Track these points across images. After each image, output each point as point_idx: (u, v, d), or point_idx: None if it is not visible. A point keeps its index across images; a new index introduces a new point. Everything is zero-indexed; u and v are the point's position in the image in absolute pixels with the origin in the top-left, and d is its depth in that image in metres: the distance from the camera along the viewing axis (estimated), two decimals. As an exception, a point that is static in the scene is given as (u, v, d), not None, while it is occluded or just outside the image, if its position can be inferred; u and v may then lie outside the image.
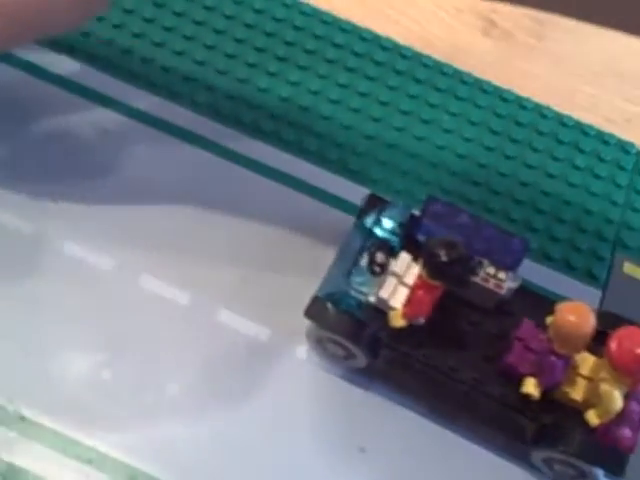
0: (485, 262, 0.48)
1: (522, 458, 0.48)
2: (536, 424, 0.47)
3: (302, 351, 0.49)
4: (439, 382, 0.47)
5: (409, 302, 0.46)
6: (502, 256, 0.48)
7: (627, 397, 0.45)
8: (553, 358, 0.45)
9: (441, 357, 0.48)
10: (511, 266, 0.48)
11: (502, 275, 0.48)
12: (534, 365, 0.46)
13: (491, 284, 0.48)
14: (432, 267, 0.44)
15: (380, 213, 0.49)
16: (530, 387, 0.46)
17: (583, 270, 0.56)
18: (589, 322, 0.43)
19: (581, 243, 0.56)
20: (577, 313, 0.43)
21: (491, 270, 0.48)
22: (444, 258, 0.43)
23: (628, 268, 0.56)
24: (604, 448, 0.45)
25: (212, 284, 0.50)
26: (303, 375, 0.49)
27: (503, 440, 0.48)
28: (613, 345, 0.43)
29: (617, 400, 0.44)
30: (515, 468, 0.48)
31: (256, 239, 0.52)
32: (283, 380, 0.48)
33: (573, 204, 0.58)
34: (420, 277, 0.46)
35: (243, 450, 0.46)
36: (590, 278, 0.55)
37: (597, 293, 0.55)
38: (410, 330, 0.47)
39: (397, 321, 0.47)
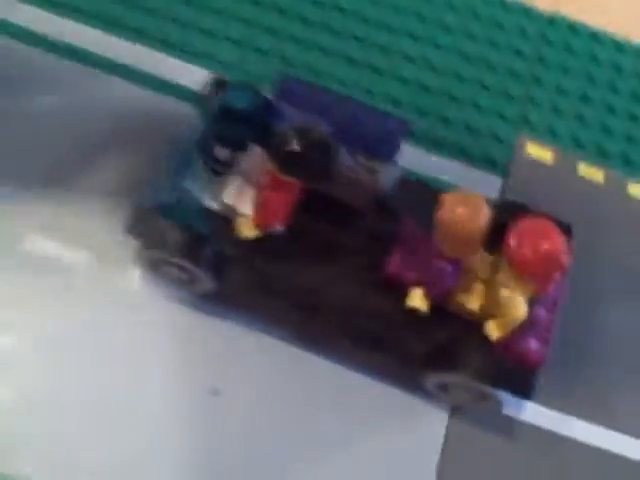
0: (356, 150, 0.39)
1: (413, 384, 0.40)
2: (427, 344, 0.38)
3: (134, 278, 0.39)
4: (307, 303, 0.38)
5: (261, 206, 0.37)
6: (376, 142, 0.39)
7: (532, 303, 0.37)
8: (441, 262, 0.36)
9: (308, 272, 0.38)
10: (388, 153, 0.39)
11: (377, 165, 0.39)
12: (420, 272, 0.38)
13: (363, 177, 0.39)
14: (282, 158, 0.34)
15: (224, 99, 0.39)
16: (416, 299, 0.38)
17: (480, 155, 0.47)
18: (481, 215, 0.34)
19: (478, 124, 0.47)
20: (466, 204, 0.34)
21: (363, 160, 0.39)
22: (296, 147, 0.34)
23: (532, 150, 0.47)
24: (508, 366, 0.37)
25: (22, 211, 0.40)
26: (138, 306, 0.39)
27: (389, 365, 0.40)
28: (512, 242, 0.34)
29: (519, 307, 0.36)
30: (405, 396, 0.40)
31: (75, 144, 0.42)
32: (114, 314, 0.39)
33: (469, 79, 0.49)
34: (271, 174, 0.36)
35: (80, 397, 0.37)
36: (489, 164, 0.47)
37: (497, 181, 0.46)
38: (265, 241, 0.38)
39: (247, 231, 0.37)
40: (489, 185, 0.45)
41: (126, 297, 0.39)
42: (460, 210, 0.34)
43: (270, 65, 0.45)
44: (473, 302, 0.38)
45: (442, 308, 0.38)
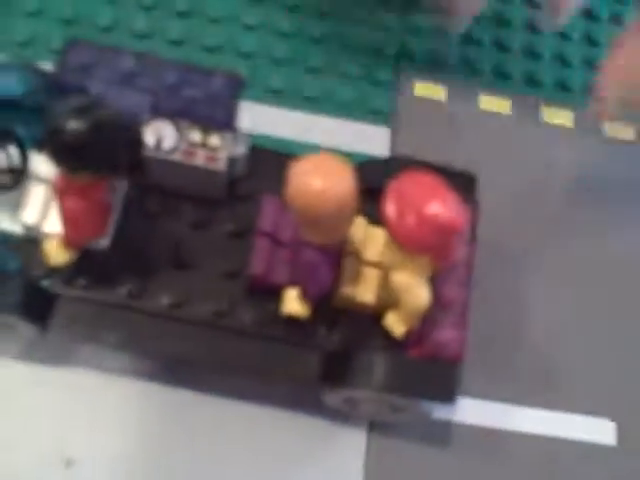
0: (181, 125, 0.30)
1: (318, 405, 0.32)
2: (319, 354, 0.30)
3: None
4: (159, 329, 0.30)
5: (65, 220, 0.28)
6: (205, 108, 0.30)
7: (438, 281, 0.29)
8: (308, 252, 0.28)
9: (151, 293, 0.30)
10: (223, 120, 0.30)
11: (215, 140, 0.30)
12: (290, 270, 0.29)
13: (200, 158, 0.30)
14: (57, 151, 0.25)
15: None
16: (292, 304, 0.29)
17: (358, 105, 0.38)
18: (341, 183, 0.26)
19: (351, 69, 0.39)
20: (318, 173, 0.25)
21: (196, 136, 0.30)
22: (70, 133, 0.25)
23: (420, 89, 0.39)
24: (421, 367, 0.29)
25: None
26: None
27: (283, 388, 0.31)
28: (389, 210, 0.26)
29: (418, 292, 0.27)
30: (313, 419, 0.32)
31: None
32: None
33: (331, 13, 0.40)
34: (63, 177, 0.27)
35: None
36: (372, 114, 0.38)
37: (385, 134, 0.38)
38: (87, 261, 0.29)
39: (56, 255, 0.29)
40: (374, 140, 0.37)
41: None
42: (310, 181, 0.25)
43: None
44: (365, 293, 0.29)
45: (330, 307, 0.30)
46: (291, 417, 0.32)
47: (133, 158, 0.27)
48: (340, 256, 0.28)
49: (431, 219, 0.25)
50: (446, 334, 0.29)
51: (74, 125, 0.24)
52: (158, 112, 0.29)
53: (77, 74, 0.29)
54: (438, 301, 0.29)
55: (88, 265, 0.29)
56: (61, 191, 0.27)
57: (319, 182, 0.25)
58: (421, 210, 0.25)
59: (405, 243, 0.26)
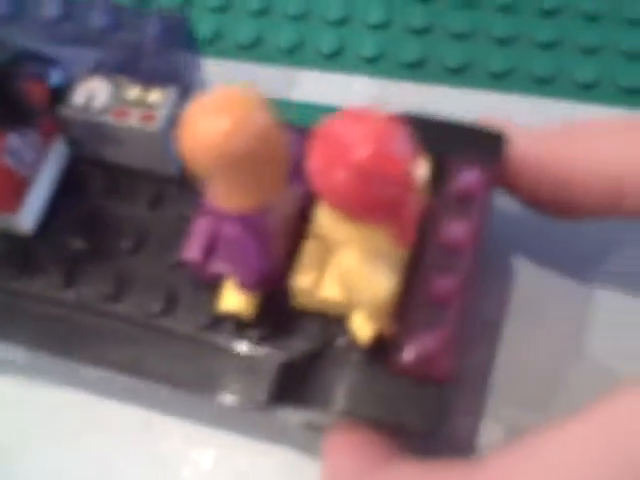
0: (121, 81, 0.25)
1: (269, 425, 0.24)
2: (274, 368, 0.22)
3: None
4: (81, 327, 0.24)
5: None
6: (149, 61, 0.25)
7: (422, 270, 0.21)
8: (225, 223, 0.21)
9: (87, 286, 0.24)
10: (177, 71, 0.24)
11: (154, 96, 0.24)
12: (221, 252, 0.22)
13: (133, 118, 0.24)
14: None
15: None
16: (231, 299, 0.23)
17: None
18: (253, 121, 0.19)
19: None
20: (215, 110, 0.19)
21: (133, 93, 0.25)
22: None
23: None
24: (394, 385, 0.21)
25: None
26: None
27: (231, 402, 0.24)
28: (313, 161, 0.19)
29: (373, 278, 0.20)
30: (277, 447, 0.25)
31: None
32: None
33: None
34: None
35: None
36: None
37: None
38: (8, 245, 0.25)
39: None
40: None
41: None
42: (205, 120, 0.19)
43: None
44: (330, 287, 0.22)
45: (291, 308, 0.23)
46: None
47: (5, 105, 0.21)
48: (271, 230, 0.21)
49: (356, 164, 0.17)
50: (429, 343, 0.21)
51: None
52: (96, 67, 0.24)
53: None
54: (423, 297, 0.21)
55: (12, 250, 0.25)
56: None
57: (216, 122, 0.19)
58: (342, 155, 0.18)
59: (335, 203, 0.18)
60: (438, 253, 0.22)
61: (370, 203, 0.18)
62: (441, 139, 0.23)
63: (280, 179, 0.20)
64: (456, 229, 0.22)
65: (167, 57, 0.24)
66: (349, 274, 0.20)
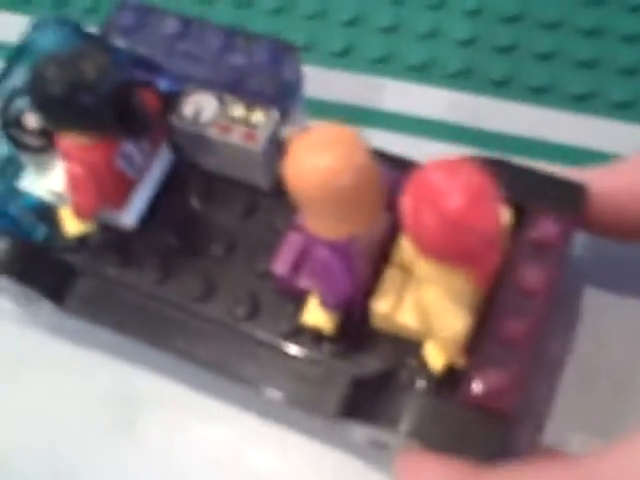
0: (227, 98, 0.26)
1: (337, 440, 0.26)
2: (346, 382, 0.24)
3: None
4: (169, 321, 0.26)
5: (69, 184, 0.25)
6: (255, 82, 0.26)
7: (498, 309, 0.22)
8: (318, 247, 0.22)
9: (178, 284, 0.26)
10: (281, 94, 0.26)
11: (257, 117, 0.26)
12: (310, 271, 0.24)
13: (236, 135, 0.26)
14: (41, 105, 0.22)
15: (25, 41, 0.27)
16: (314, 314, 0.24)
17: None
18: (355, 156, 0.20)
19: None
20: (323, 145, 0.20)
21: (238, 111, 0.26)
22: (55, 85, 0.22)
23: None
24: (460, 415, 0.22)
25: None
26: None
27: (301, 409, 0.26)
28: (405, 205, 0.20)
29: (450, 316, 0.21)
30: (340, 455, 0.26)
31: None
32: None
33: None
34: (66, 139, 0.24)
35: None
36: None
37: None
38: (112, 238, 0.27)
39: (71, 225, 0.26)
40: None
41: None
42: (310, 157, 0.20)
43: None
44: (407, 314, 0.23)
45: (369, 329, 0.24)
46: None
47: (125, 117, 0.23)
48: (358, 256, 0.23)
49: (448, 213, 0.19)
50: (498, 379, 0.22)
51: (51, 74, 0.21)
52: (204, 83, 0.26)
53: (122, 36, 0.27)
54: (496, 336, 0.23)
55: (114, 242, 0.27)
56: (65, 153, 0.24)
57: (321, 159, 0.20)
58: (435, 203, 0.19)
59: (421, 246, 0.20)
60: (514, 296, 0.23)
61: (455, 251, 0.20)
62: (524, 186, 0.24)
63: (373, 212, 0.22)
64: (532, 275, 0.23)
65: (272, 81, 0.26)
66: (428, 308, 0.22)
